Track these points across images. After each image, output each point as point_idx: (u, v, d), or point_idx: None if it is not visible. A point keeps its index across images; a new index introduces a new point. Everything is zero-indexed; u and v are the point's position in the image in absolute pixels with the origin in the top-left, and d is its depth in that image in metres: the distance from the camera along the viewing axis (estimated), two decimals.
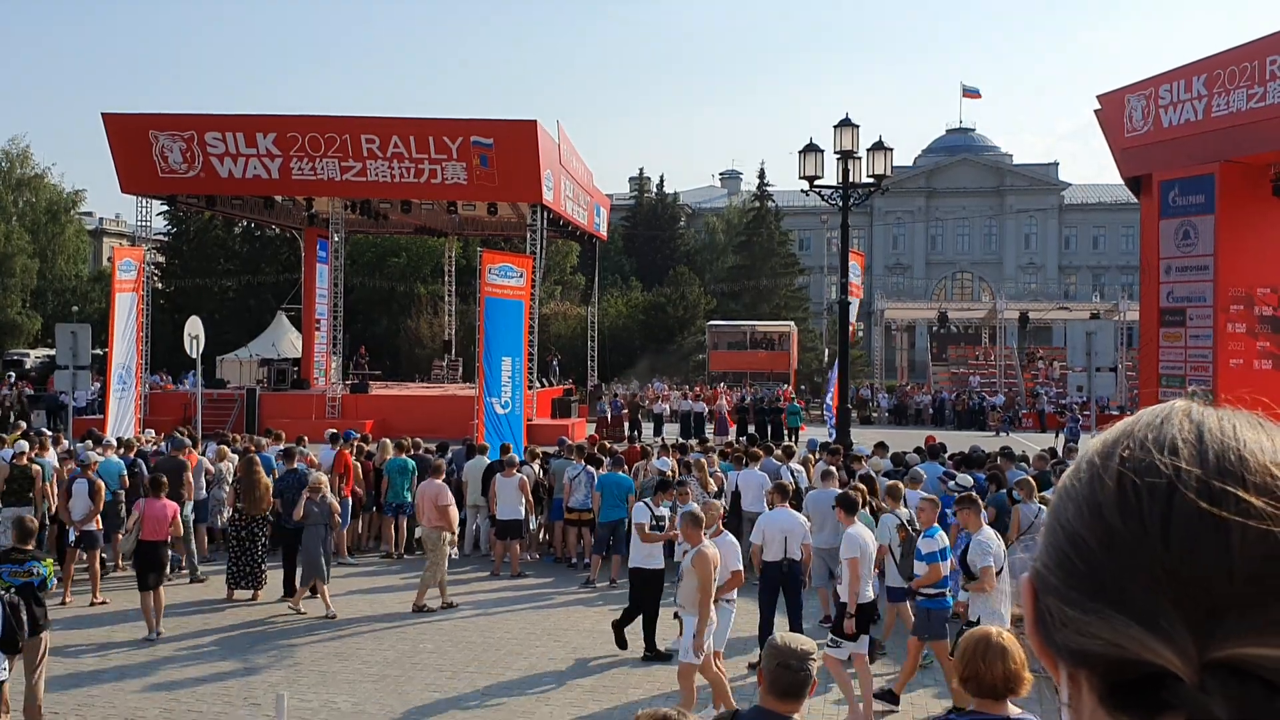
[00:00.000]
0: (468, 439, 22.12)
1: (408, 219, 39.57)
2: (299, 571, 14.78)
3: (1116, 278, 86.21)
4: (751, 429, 35.93)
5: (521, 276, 26.57)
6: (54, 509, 15.91)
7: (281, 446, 18.70)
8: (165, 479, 14.30)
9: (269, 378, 36.83)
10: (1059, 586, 0.87)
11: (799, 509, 14.01)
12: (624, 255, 76.82)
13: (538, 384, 34.31)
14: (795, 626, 11.58)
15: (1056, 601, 0.87)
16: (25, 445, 16.93)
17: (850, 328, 27.87)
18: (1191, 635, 0.79)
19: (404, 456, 18.08)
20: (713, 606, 9.81)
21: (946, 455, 18.72)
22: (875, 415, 50.62)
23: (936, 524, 10.85)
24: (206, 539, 16.81)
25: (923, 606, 10.60)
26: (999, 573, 10.19)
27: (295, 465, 16.08)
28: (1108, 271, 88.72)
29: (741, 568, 10.65)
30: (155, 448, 20.07)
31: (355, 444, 19.90)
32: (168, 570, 13.92)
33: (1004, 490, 14.70)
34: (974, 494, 11.73)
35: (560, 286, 64.30)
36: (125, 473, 16.95)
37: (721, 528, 10.86)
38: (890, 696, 10.76)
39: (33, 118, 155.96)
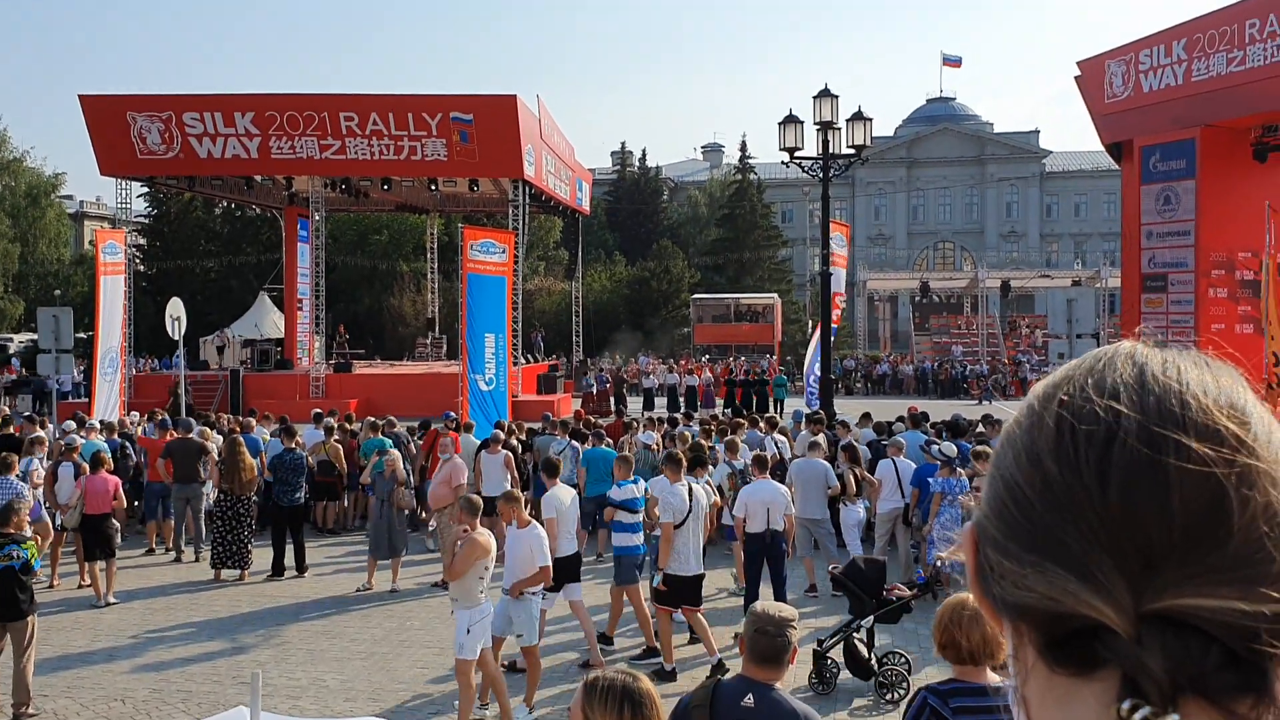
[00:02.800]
0: (445, 415, 22.06)
1: (388, 196, 39.38)
2: (378, 548, 14.72)
3: (1098, 245, 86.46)
4: (737, 401, 36.01)
5: (504, 252, 26.49)
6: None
7: (273, 426, 18.77)
8: (105, 455, 15.21)
9: (252, 358, 36.70)
10: (997, 537, 0.85)
11: (783, 480, 14.10)
12: (607, 230, 76.66)
13: (522, 360, 34.26)
14: (779, 596, 11.65)
15: (995, 553, 0.85)
16: (72, 424, 18.03)
17: (835, 297, 27.89)
18: (1128, 587, 0.77)
19: (380, 436, 18.02)
20: (480, 597, 9.10)
21: (929, 424, 18.80)
22: (858, 386, 50.74)
23: (634, 478, 11.92)
24: (203, 521, 16.73)
25: (615, 553, 11.53)
26: None
27: (292, 445, 16.04)
28: (1089, 239, 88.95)
29: (549, 563, 9.75)
30: (141, 430, 20.03)
31: (341, 422, 19.91)
32: (117, 542, 14.33)
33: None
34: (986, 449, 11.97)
35: (543, 262, 64.17)
36: (108, 453, 16.89)
37: (529, 519, 9.98)
38: (605, 639, 11.55)
39: (10, 102, 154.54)
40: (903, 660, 10.34)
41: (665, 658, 10.83)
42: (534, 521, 10.07)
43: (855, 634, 10.13)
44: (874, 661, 10.22)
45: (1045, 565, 0.80)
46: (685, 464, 11.74)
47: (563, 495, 11.43)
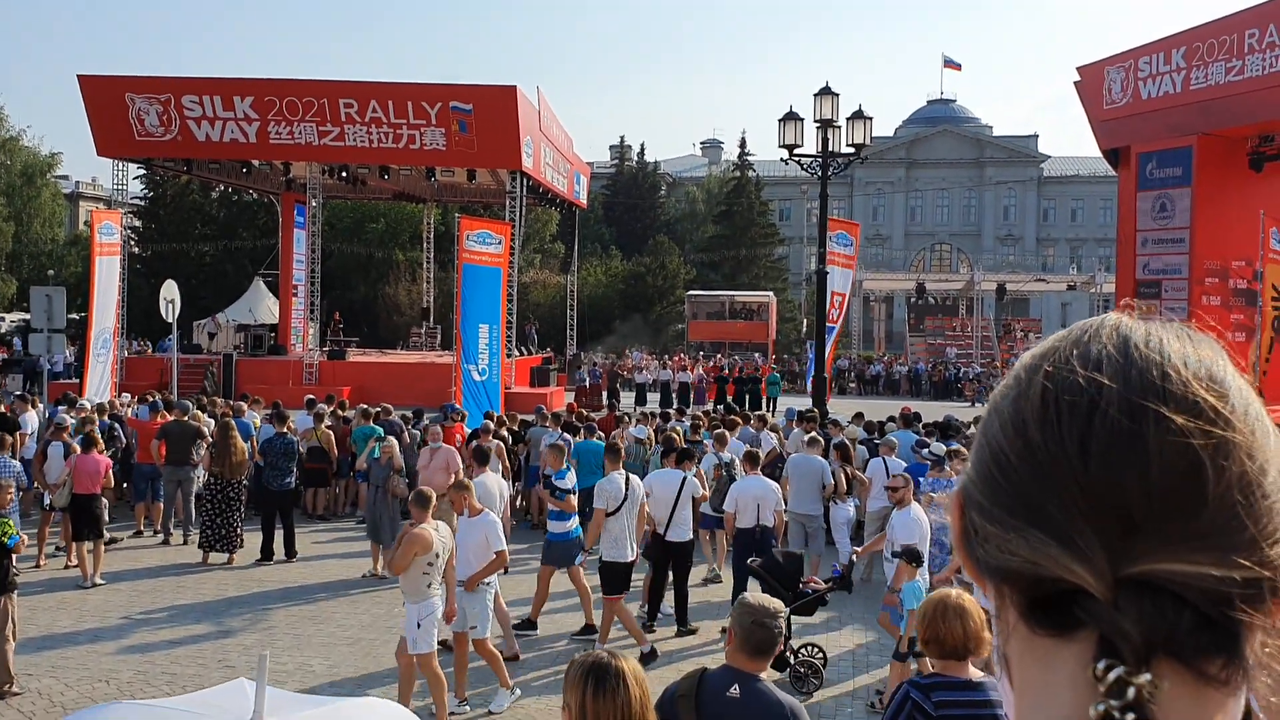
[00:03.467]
0: (446, 405, 22.07)
1: (386, 184, 39.31)
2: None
3: (1094, 250, 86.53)
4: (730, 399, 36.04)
5: (500, 243, 26.50)
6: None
7: (264, 411, 18.78)
8: (98, 435, 15.05)
9: (246, 343, 36.65)
10: (982, 502, 0.87)
11: (776, 477, 14.15)
12: (604, 224, 76.63)
13: (516, 352, 34.24)
14: (767, 589, 11.66)
15: (980, 517, 0.87)
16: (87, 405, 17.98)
17: (842, 298, 27.93)
18: (1106, 552, 0.79)
19: (371, 424, 18.00)
20: (429, 591, 9.05)
21: (921, 424, 18.83)
22: (851, 386, 50.80)
23: (567, 467, 12.36)
24: (193, 504, 16.69)
25: (549, 538, 11.95)
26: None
27: (284, 430, 16.02)
28: (1085, 244, 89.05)
29: (505, 548, 9.82)
30: (131, 411, 20.01)
31: (334, 409, 19.91)
32: (105, 521, 14.36)
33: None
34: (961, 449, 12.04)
35: (539, 254, 64.11)
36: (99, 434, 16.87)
37: (479, 507, 9.98)
38: (527, 623, 11.91)
39: (8, 80, 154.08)
40: (817, 651, 10.62)
41: (638, 640, 11.07)
42: (485, 510, 10.08)
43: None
44: (789, 653, 10.33)
45: (1027, 530, 0.82)
46: (674, 456, 11.88)
47: (489, 483, 11.59)
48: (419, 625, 8.99)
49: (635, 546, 11.42)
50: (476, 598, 9.72)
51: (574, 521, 12.17)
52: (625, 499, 11.30)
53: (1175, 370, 0.82)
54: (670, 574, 12.19)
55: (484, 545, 9.69)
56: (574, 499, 12.25)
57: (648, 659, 10.73)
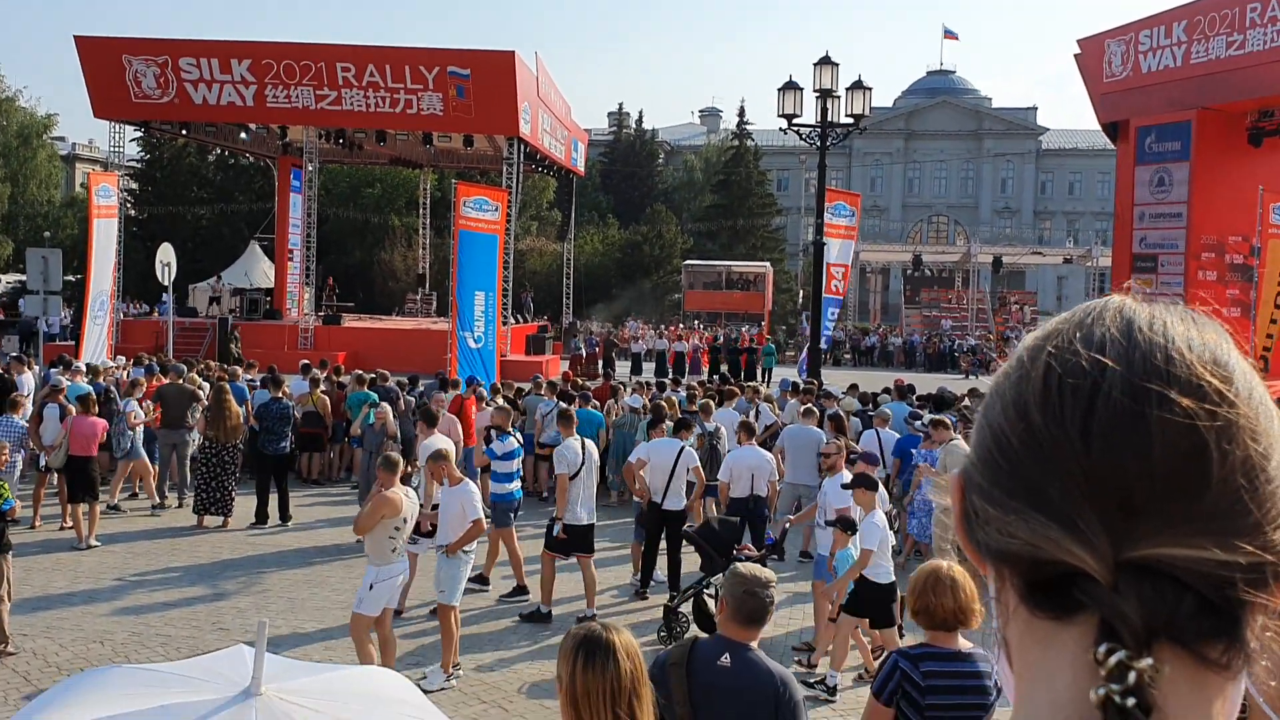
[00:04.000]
0: (440, 373, 22.07)
1: (383, 150, 39.16)
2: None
3: (1091, 224, 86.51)
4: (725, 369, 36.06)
5: (497, 210, 26.39)
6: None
7: (260, 375, 18.79)
8: (93, 397, 15.05)
9: (241, 307, 36.59)
10: (983, 485, 0.87)
11: (769, 447, 14.18)
12: (601, 192, 76.38)
13: (511, 320, 34.22)
14: (760, 559, 11.71)
15: (980, 500, 0.87)
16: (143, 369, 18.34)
17: (844, 269, 27.88)
18: (1107, 535, 0.78)
19: (366, 390, 17.97)
20: (393, 556, 9.00)
21: (915, 396, 18.85)
22: (845, 358, 50.84)
23: (510, 431, 12.81)
24: (188, 468, 16.65)
25: (492, 499, 12.23)
26: None
27: (279, 395, 16.02)
28: (1082, 217, 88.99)
29: (481, 516, 9.81)
30: (127, 374, 19.97)
31: (329, 374, 19.90)
32: (99, 485, 14.41)
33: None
34: (944, 420, 12.12)
35: (536, 222, 63.91)
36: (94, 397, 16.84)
37: (460, 475, 10.01)
38: (481, 579, 12.17)
39: (4, 40, 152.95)
40: (686, 621, 10.70)
41: (544, 599, 11.35)
42: (465, 479, 10.10)
43: (705, 591, 10.29)
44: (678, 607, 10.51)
45: (1028, 513, 0.82)
46: (671, 424, 12.01)
47: (439, 445, 11.69)
48: (370, 587, 8.98)
49: (591, 511, 11.74)
50: (451, 564, 9.70)
51: (515, 484, 12.61)
52: (583, 464, 11.57)
53: (1179, 353, 0.82)
54: (664, 542, 12.23)
55: (461, 514, 9.70)
56: (518, 462, 12.74)
57: (541, 618, 11.20)
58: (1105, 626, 0.78)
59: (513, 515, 12.47)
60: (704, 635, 5.06)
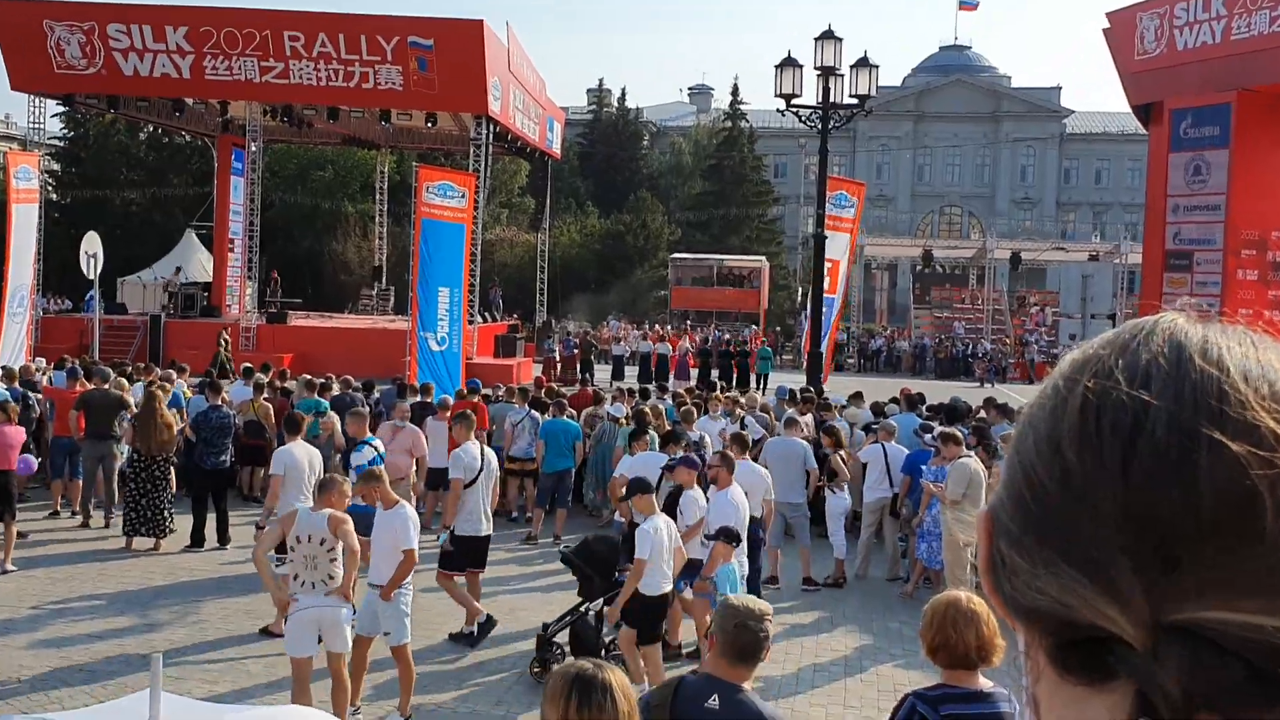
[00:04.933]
0: (398, 378, 22.05)
1: (335, 128, 39.05)
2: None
3: (1119, 216, 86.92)
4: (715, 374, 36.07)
5: (463, 197, 26.38)
6: None
7: (195, 380, 18.70)
8: (12, 405, 14.76)
9: (176, 303, 36.43)
10: (1011, 529, 0.86)
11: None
12: (579, 176, 76.42)
13: (478, 318, 34.16)
14: (753, 589, 11.72)
15: (1008, 546, 0.86)
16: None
17: (834, 265, 27.92)
18: (1145, 593, 0.77)
19: (315, 397, 17.93)
20: (294, 590, 8.84)
21: (924, 407, 18.89)
22: (849, 362, 50.96)
23: (368, 438, 12.97)
24: (115, 483, 16.56)
25: (352, 510, 12.10)
26: None
27: (218, 402, 15.93)
28: (1110, 209, 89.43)
29: (414, 546, 9.42)
30: (46, 377, 19.86)
31: (274, 379, 19.85)
32: (16, 502, 14.26)
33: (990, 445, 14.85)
34: (948, 429, 12.15)
35: (506, 210, 63.92)
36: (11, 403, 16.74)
37: (395, 498, 9.77)
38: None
39: None
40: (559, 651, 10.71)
41: (470, 617, 11.44)
42: (401, 501, 9.85)
43: (584, 617, 10.40)
44: (603, 647, 10.42)
45: (1059, 565, 0.81)
46: (657, 436, 12.05)
47: (298, 453, 11.85)
48: (284, 621, 8.98)
49: (489, 520, 11.90)
50: (391, 604, 9.47)
51: None
52: (481, 470, 11.73)
53: (1234, 388, 0.80)
54: None
55: (393, 546, 9.37)
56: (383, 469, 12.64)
57: (484, 628, 11.31)
58: (1141, 697, 0.77)
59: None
60: (689, 673, 5.05)
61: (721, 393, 20.59)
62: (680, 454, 11.75)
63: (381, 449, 13.35)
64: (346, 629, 9.11)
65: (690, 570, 10.35)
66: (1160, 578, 0.77)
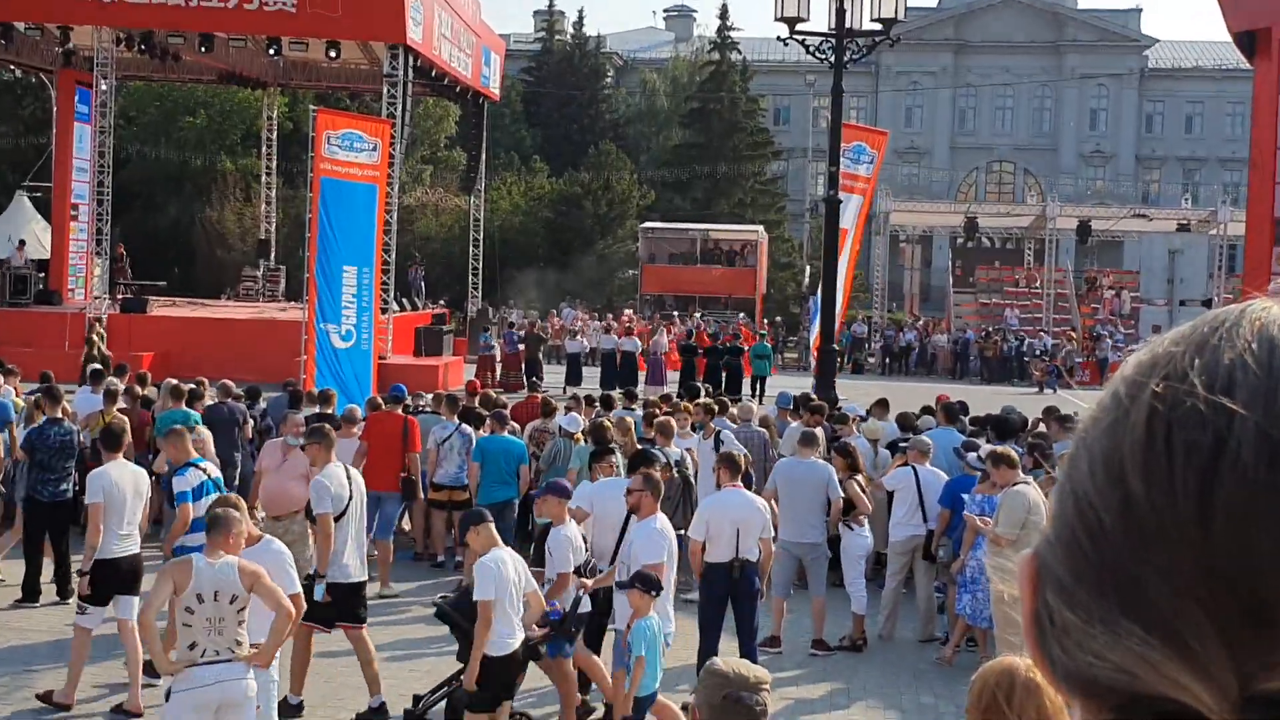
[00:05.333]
0: (291, 383, 21.96)
1: (208, 61, 38.90)
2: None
3: (1216, 174, 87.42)
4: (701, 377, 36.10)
5: (374, 150, 26.32)
6: None
7: (29, 387, 18.55)
8: None
9: (3, 287, 36.19)
10: (1062, 578, 0.86)
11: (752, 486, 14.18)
12: (524, 124, 76.32)
13: (394, 306, 34.10)
14: (747, 652, 11.74)
15: (1058, 599, 0.86)
16: None
17: (842, 235, 27.98)
18: (1230, 659, 0.77)
19: (183, 408, 17.81)
20: (193, 659, 8.71)
21: (968, 419, 18.93)
22: (871, 362, 51.08)
23: (190, 462, 12.71)
24: None
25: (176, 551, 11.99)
26: None
27: (58, 414, 15.84)
28: (1204, 165, 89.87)
29: (300, 590, 9.67)
30: None
31: (130, 384, 19.73)
32: None
33: (1046, 467, 14.90)
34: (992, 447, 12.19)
35: (431, 166, 63.77)
36: None
37: (258, 533, 9.88)
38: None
39: None
40: None
41: (293, 687, 11.39)
42: (268, 537, 9.95)
43: (458, 688, 10.36)
44: None
45: (1120, 623, 0.81)
46: (623, 460, 12.00)
47: (117, 474, 11.97)
48: (168, 696, 8.73)
49: (363, 563, 12.00)
50: (265, 674, 9.45)
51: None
52: (351, 498, 11.83)
53: None
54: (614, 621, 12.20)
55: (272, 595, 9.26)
56: (188, 508, 12.64)
57: (291, 712, 11.18)
58: None
59: None
60: None
61: (691, 401, 20.58)
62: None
63: (214, 473, 13.12)
64: (262, 707, 9.21)
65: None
66: (1249, 639, 0.77)
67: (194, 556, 8.85)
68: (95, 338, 30.41)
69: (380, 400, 19.25)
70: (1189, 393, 0.82)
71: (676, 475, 14.37)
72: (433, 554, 17.83)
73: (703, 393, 23.12)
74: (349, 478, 12.08)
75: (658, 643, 10.06)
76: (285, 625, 8.95)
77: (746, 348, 39.28)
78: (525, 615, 9.94)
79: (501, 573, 9.56)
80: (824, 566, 14.39)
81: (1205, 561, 0.78)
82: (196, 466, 12.74)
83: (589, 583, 11.69)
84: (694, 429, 17.86)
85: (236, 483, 16.75)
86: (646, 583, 9.86)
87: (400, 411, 17.99)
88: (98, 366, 21.67)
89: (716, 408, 19.34)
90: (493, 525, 10.12)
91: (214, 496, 11.55)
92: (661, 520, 11.04)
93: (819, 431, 15.60)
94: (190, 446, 13.09)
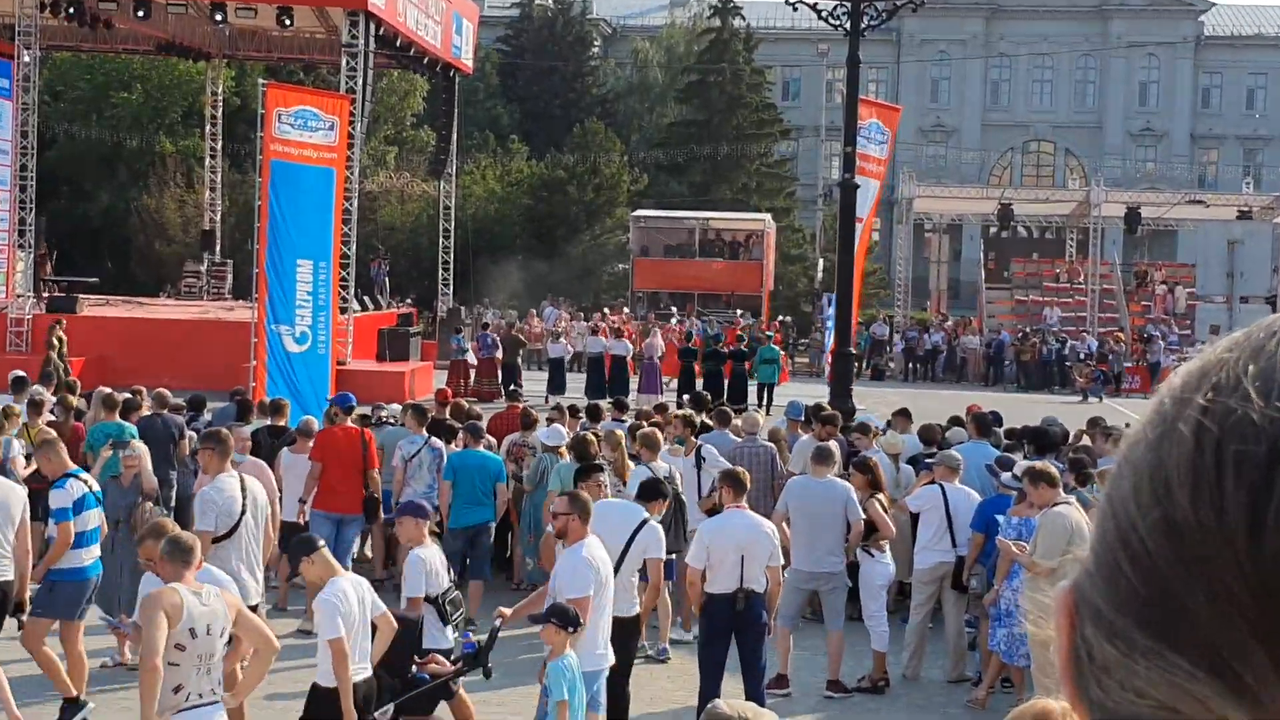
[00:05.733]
0: (239, 392, 21.95)
1: (145, 29, 38.87)
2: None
3: None
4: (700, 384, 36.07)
5: (332, 129, 26.33)
6: None
7: None
8: None
9: None
10: (1101, 608, 0.86)
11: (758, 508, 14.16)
12: (500, 100, 76.23)
13: (355, 305, 34.10)
14: (753, 694, 11.74)
15: (1097, 632, 0.86)
16: None
17: (862, 224, 28.03)
18: None
19: (119, 420, 17.78)
20: (178, 705, 8.69)
21: (1002, 431, 18.93)
22: (891, 367, 51.08)
23: (67, 475, 12.80)
24: None
25: (49, 578, 12.40)
26: None
27: None
28: (1268, 145, 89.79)
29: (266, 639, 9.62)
30: None
31: (59, 393, 19.71)
32: None
33: (1090, 485, 14.91)
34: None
35: (396, 147, 63.70)
36: None
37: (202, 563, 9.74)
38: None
39: None
40: None
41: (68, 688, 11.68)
42: (207, 566, 10.02)
43: None
44: None
45: (1166, 657, 0.82)
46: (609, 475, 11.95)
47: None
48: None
49: (259, 584, 12.13)
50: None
51: (91, 553, 12.74)
52: (244, 513, 11.90)
53: None
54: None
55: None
56: (97, 516, 12.83)
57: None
58: None
59: (85, 601, 12.67)
60: None
61: (699, 411, 20.56)
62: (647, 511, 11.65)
63: (94, 485, 13.16)
64: None
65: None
66: None
67: (176, 586, 8.82)
68: (55, 341, 30.26)
69: (338, 412, 19.15)
70: (1243, 400, 0.82)
71: (669, 499, 14.32)
72: (398, 583, 17.81)
73: (704, 402, 23.13)
74: (244, 489, 12.17)
75: (579, 685, 9.98)
76: (270, 662, 8.95)
77: (750, 351, 39.19)
78: (375, 641, 9.88)
79: (346, 605, 9.50)
80: (843, 598, 14.34)
81: (1257, 585, 0.78)
82: (76, 478, 12.86)
83: (508, 612, 11.71)
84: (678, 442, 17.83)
85: (174, 504, 16.75)
86: (563, 617, 9.78)
87: (350, 423, 17.90)
88: (21, 374, 21.62)
89: (699, 420, 19.27)
90: (328, 551, 10.10)
91: (95, 511, 11.65)
92: (591, 547, 10.84)
93: (834, 445, 15.55)
94: (65, 457, 13.24)
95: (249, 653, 9.06)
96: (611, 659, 10.80)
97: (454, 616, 11.38)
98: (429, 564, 11.18)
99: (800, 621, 14.38)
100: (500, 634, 11.11)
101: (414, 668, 10.48)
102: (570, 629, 9.77)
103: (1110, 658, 0.85)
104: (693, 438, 17.81)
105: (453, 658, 10.97)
